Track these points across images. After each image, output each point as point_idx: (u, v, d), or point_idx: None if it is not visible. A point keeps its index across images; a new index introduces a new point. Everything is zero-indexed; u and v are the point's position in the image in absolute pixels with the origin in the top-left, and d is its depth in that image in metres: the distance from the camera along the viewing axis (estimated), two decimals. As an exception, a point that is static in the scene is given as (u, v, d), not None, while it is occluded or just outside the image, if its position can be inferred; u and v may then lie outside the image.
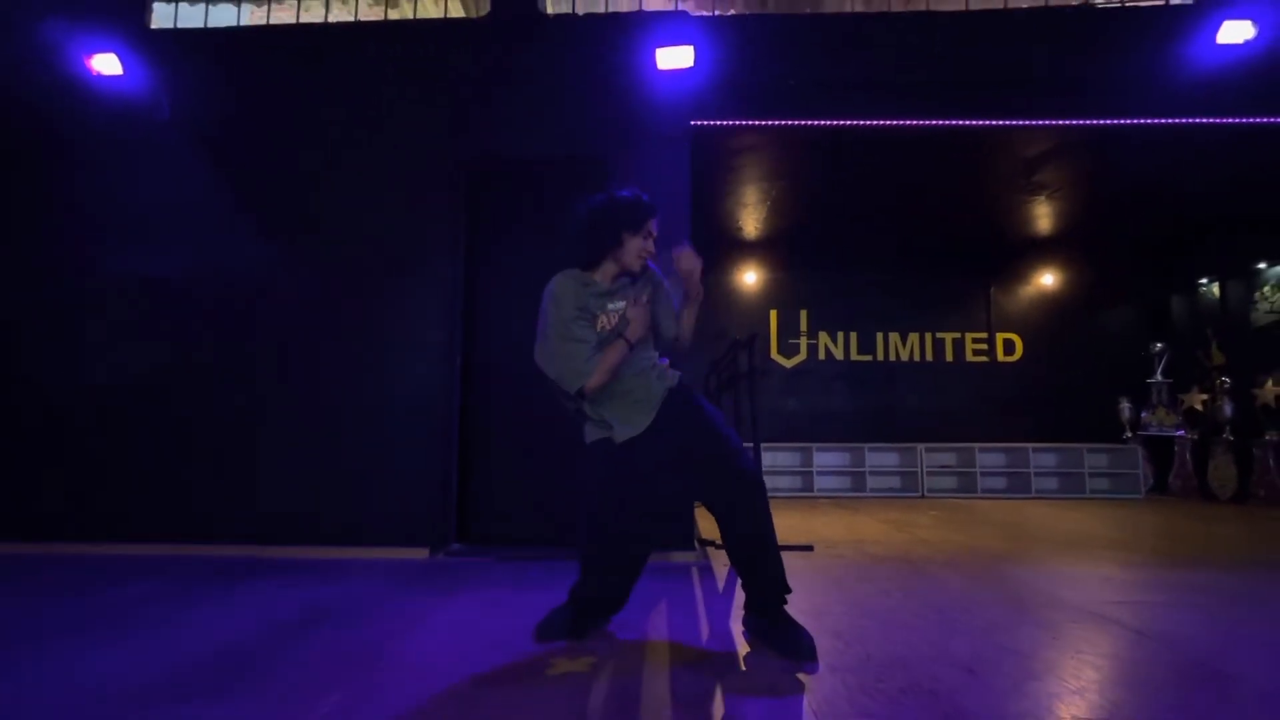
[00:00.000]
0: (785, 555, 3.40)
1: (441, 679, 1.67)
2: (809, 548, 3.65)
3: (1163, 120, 3.74)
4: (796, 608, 2.42)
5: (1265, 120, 3.64)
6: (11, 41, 3.62)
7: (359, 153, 3.64)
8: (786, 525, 4.71)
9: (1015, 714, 1.48)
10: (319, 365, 3.54)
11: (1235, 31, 3.37)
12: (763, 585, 1.89)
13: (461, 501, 3.67)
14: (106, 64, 3.51)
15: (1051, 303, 7.65)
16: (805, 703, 1.53)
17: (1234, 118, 3.65)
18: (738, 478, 1.87)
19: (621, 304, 1.96)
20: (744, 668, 1.80)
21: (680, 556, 3.28)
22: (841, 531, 4.45)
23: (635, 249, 1.96)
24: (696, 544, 3.39)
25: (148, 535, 3.46)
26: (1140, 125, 3.78)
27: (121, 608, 2.42)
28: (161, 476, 3.53)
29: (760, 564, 1.89)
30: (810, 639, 1.79)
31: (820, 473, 7.06)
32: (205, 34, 3.78)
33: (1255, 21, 3.35)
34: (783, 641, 1.81)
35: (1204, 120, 3.69)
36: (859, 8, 4.10)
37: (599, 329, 1.94)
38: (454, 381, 3.57)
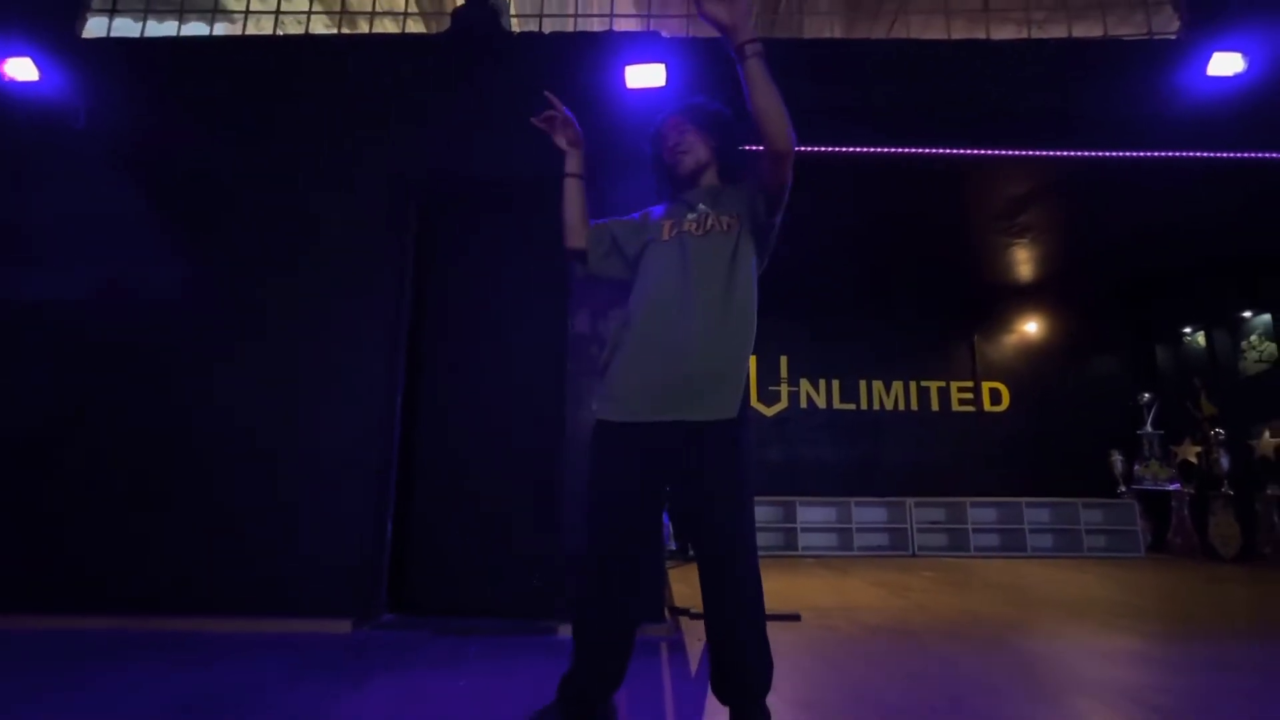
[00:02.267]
0: (770, 626, 2.95)
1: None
2: (796, 617, 3.21)
3: (1149, 154, 3.60)
4: (784, 697, 1.99)
5: (1254, 155, 3.52)
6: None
7: (301, 172, 3.31)
8: (770, 590, 4.20)
9: None
10: (231, 403, 3.09)
11: (1225, 64, 3.27)
12: (733, 676, 1.48)
13: (401, 564, 3.19)
14: (21, 69, 3.19)
15: (1037, 351, 7.49)
16: None
17: (1223, 152, 3.51)
18: (731, 580, 1.48)
19: (703, 209, 1.63)
20: (718, 794, 1.37)
21: (646, 630, 2.82)
22: (831, 597, 4.01)
23: (668, 156, 1.72)
24: (666, 614, 2.94)
25: (6, 607, 2.90)
26: (1125, 158, 3.63)
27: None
28: (25, 534, 2.99)
29: (735, 657, 1.48)
30: None
31: (805, 529, 6.62)
32: (139, 44, 3.49)
33: (1245, 54, 3.26)
34: None
35: (1191, 154, 3.55)
36: (838, 33, 3.98)
37: (668, 232, 1.64)
38: (393, 422, 3.15)
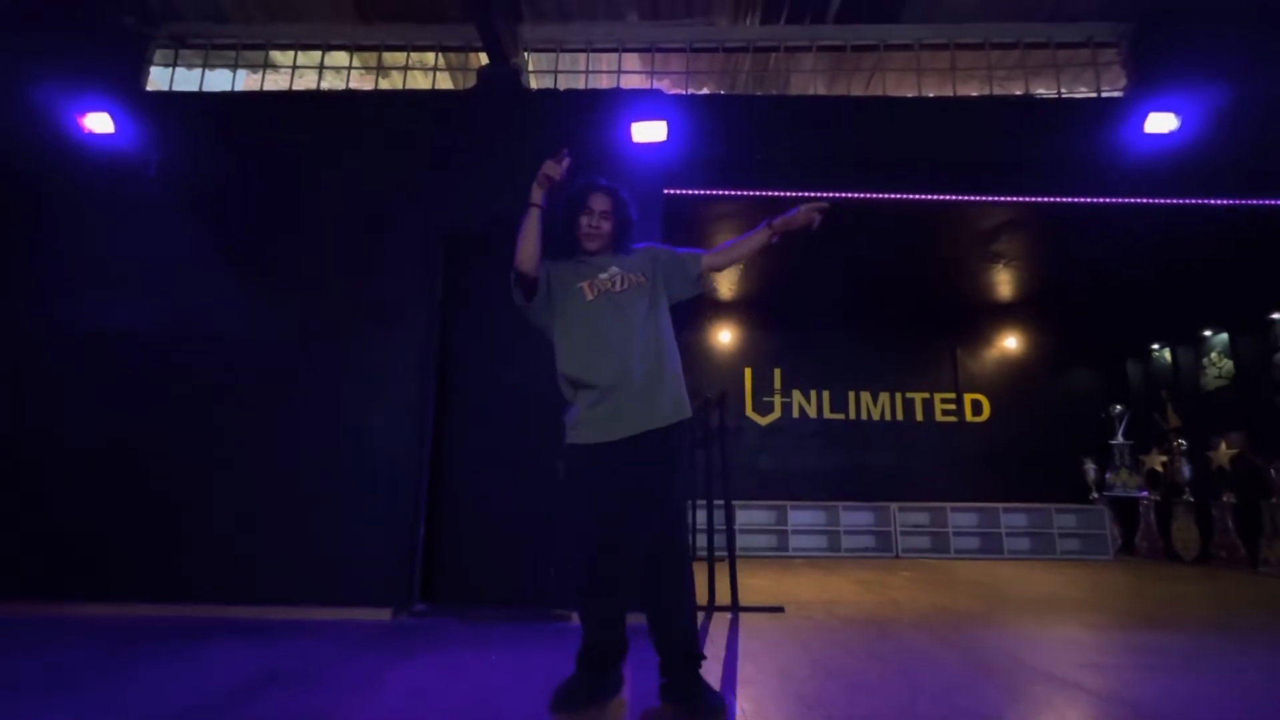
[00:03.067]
0: (756, 616, 3.37)
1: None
2: (780, 609, 3.63)
3: (1099, 200, 4.03)
4: (762, 668, 2.41)
5: (1191, 201, 3.95)
6: (7, 98, 3.72)
7: (342, 215, 3.74)
8: (759, 586, 4.67)
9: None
10: (285, 418, 3.52)
11: (1161, 122, 3.70)
12: (673, 649, 1.92)
13: (431, 560, 3.61)
14: (99, 123, 3.62)
15: (1015, 365, 7.91)
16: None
17: (1163, 199, 3.95)
18: (666, 552, 1.93)
19: (615, 270, 2.04)
20: (704, 732, 1.78)
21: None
22: (814, 592, 4.43)
23: (582, 228, 2.08)
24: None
25: (101, 594, 3.32)
26: (1080, 204, 4.06)
27: (66, 670, 2.31)
28: (118, 533, 3.42)
29: (674, 633, 1.92)
30: (721, 701, 1.85)
31: (795, 531, 7.04)
32: (198, 97, 3.92)
33: (1178, 114, 3.69)
34: (695, 703, 1.85)
35: (1136, 200, 3.99)
36: (821, 90, 4.41)
37: (590, 292, 2.02)
38: (425, 437, 3.58)
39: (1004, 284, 6.98)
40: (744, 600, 3.63)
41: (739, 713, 1.95)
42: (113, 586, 3.34)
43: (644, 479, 1.92)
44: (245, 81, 4.23)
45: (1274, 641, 3.09)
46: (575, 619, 3.28)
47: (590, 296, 2.01)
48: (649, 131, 3.61)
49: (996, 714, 1.98)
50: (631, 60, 4.13)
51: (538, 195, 1.97)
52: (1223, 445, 6.10)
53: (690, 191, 3.83)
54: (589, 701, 1.93)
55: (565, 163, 1.98)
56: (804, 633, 3.12)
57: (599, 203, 2.09)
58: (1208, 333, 6.47)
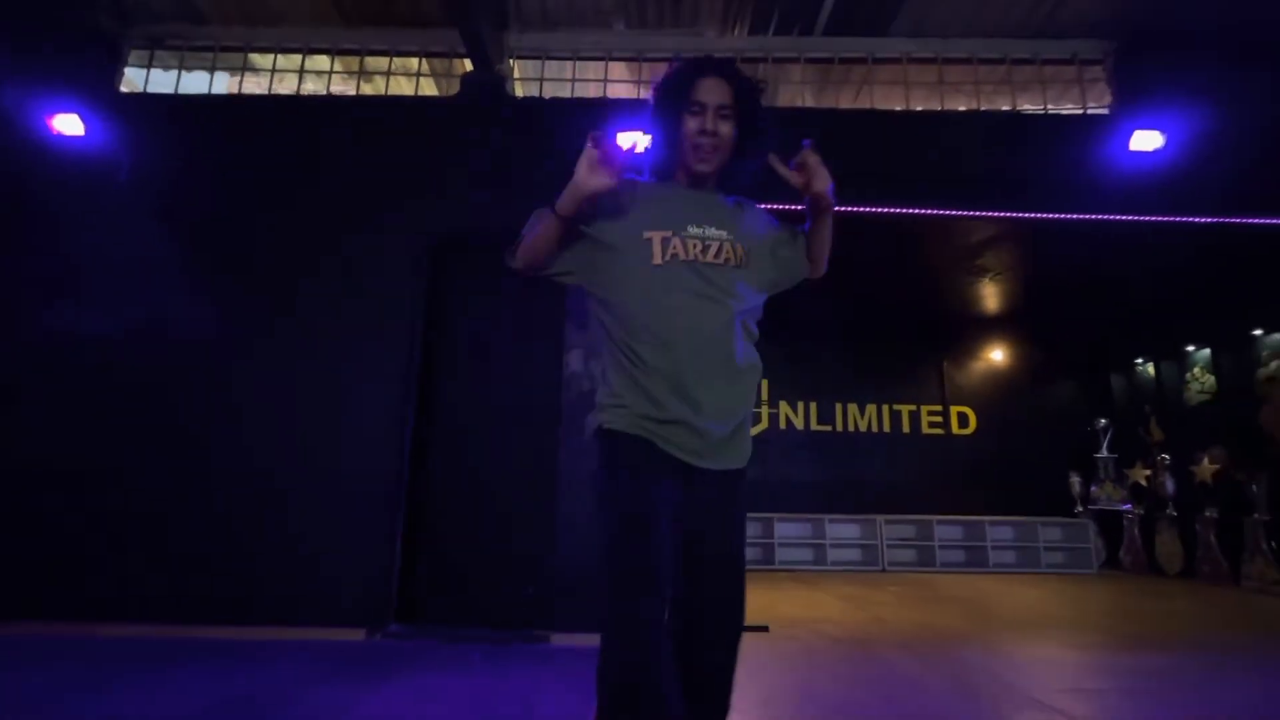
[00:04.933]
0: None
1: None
2: (764, 628, 3.56)
3: (1084, 216, 4.03)
4: (744, 698, 2.34)
5: (1174, 219, 3.96)
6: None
7: (320, 222, 3.66)
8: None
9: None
10: (257, 431, 3.42)
11: (1146, 140, 3.71)
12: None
13: (409, 579, 3.51)
14: (68, 125, 3.51)
15: (1002, 378, 7.93)
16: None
17: (1147, 216, 3.95)
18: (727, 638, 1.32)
19: (716, 231, 1.30)
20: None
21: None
22: (800, 609, 4.37)
23: (689, 137, 1.30)
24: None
25: (62, 613, 3.20)
26: (1065, 220, 4.06)
27: (27, 697, 2.20)
28: (78, 550, 3.30)
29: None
30: None
31: (781, 544, 6.98)
32: (174, 100, 3.83)
33: (1163, 132, 3.71)
34: None
35: (1120, 218, 3.99)
36: (809, 102, 4.39)
37: (661, 252, 1.26)
38: (404, 449, 3.49)
39: (990, 297, 6.99)
40: (728, 619, 3.56)
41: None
42: (60, 606, 3.21)
43: (712, 526, 1.30)
44: (226, 85, 4.14)
45: (1258, 662, 3.07)
46: (555, 639, 3.22)
47: (660, 260, 1.27)
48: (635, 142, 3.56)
49: (982, 746, 1.93)
50: (618, 69, 4.09)
51: (568, 205, 1.26)
52: (1205, 460, 6.13)
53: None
54: None
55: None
56: (789, 655, 3.06)
57: (713, 92, 1.30)
58: (1191, 348, 6.52)
